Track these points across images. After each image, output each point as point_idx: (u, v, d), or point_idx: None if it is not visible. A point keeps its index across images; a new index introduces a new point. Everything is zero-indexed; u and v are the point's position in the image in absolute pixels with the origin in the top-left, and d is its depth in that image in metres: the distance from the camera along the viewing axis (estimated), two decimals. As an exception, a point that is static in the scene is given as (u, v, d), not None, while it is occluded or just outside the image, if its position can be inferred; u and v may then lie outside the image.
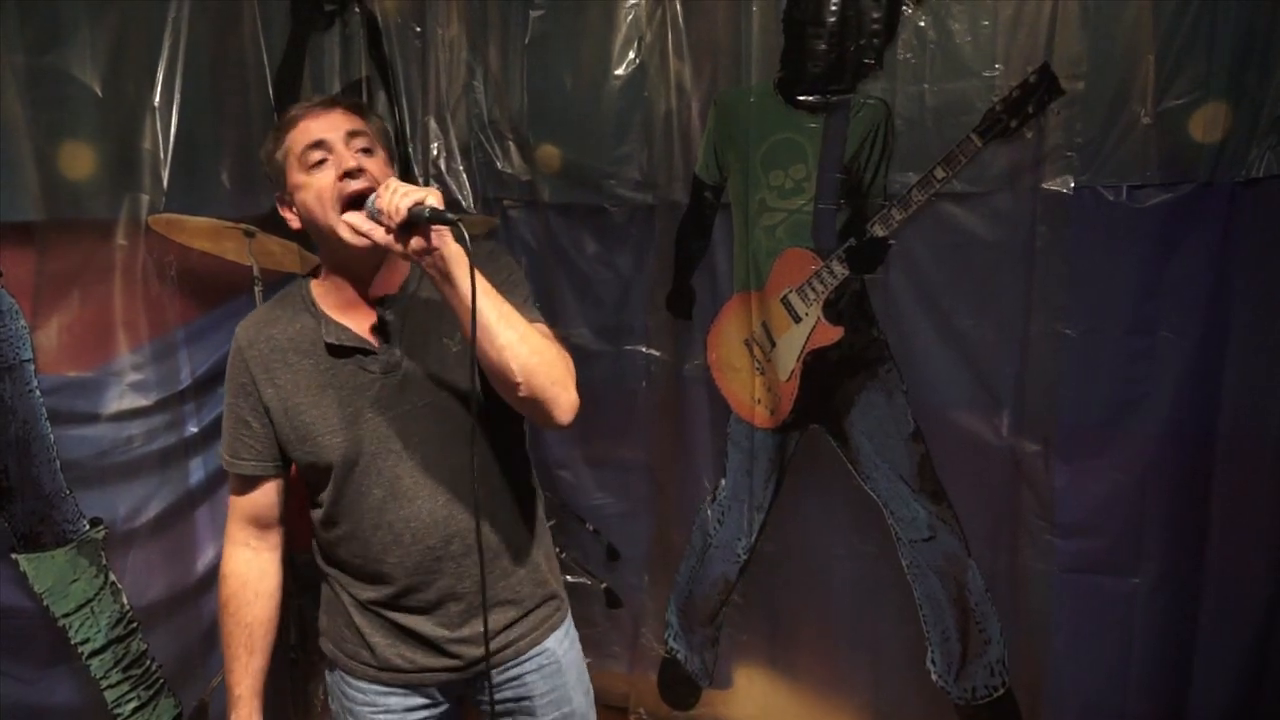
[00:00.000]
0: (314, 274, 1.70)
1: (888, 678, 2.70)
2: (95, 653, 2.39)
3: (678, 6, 2.68)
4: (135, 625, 2.46)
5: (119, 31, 2.44)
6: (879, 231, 2.53)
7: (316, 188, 1.53)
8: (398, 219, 1.37)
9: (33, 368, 2.33)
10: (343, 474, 1.60)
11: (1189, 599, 2.33)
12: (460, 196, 3.03)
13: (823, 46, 2.53)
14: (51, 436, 2.34)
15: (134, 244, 2.49)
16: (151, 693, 2.50)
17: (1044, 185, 2.36)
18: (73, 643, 2.35)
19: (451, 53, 2.98)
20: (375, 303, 1.62)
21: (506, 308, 1.45)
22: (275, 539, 1.76)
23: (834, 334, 2.61)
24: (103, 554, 2.41)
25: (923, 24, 2.42)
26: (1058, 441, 2.41)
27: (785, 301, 2.66)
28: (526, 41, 2.86)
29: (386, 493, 1.59)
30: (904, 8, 2.43)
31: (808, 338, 2.64)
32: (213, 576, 2.63)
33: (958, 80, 2.41)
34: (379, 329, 1.61)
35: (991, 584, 2.55)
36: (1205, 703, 2.34)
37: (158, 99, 2.51)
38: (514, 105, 2.92)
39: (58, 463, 2.35)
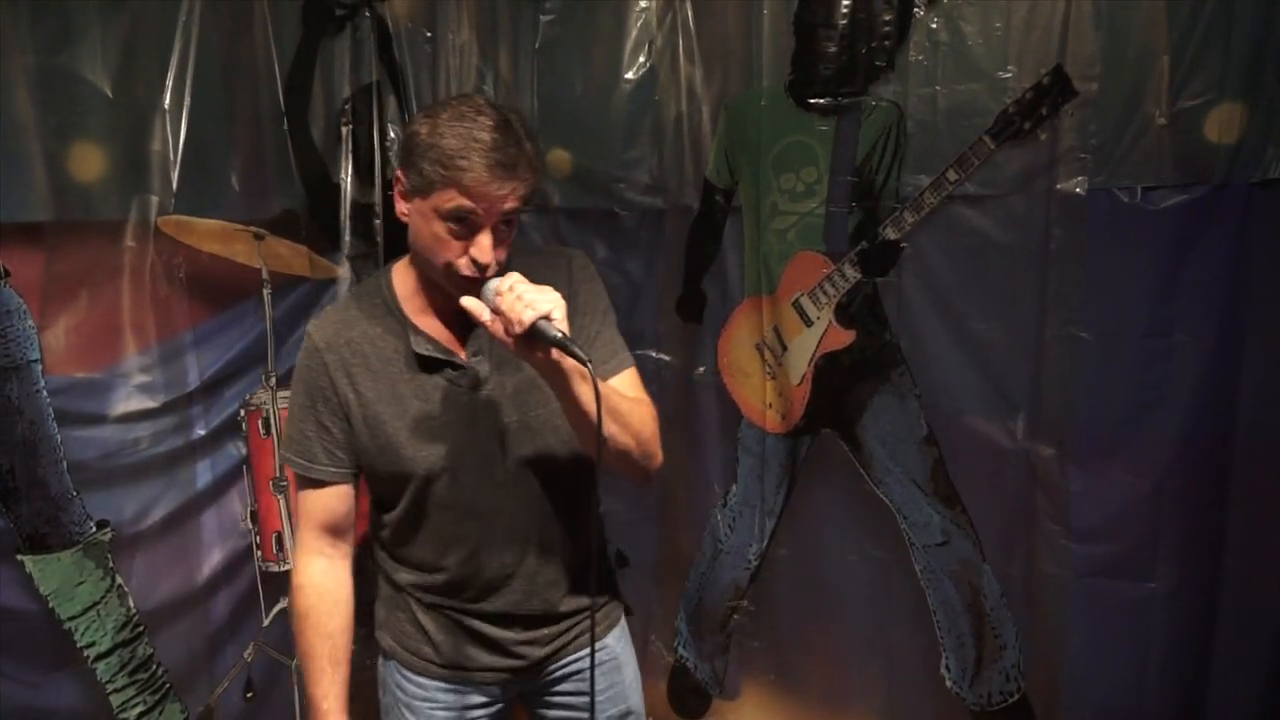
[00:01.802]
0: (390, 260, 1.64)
1: (901, 684, 2.66)
2: (101, 656, 2.37)
3: (688, 10, 2.67)
4: (142, 629, 2.45)
5: (130, 33, 2.45)
6: (891, 234, 2.51)
7: (444, 241, 1.42)
8: (518, 331, 1.32)
9: (40, 368, 2.33)
10: (422, 487, 1.55)
11: (1206, 604, 2.29)
12: (470, 200, 3.02)
13: (834, 49, 2.52)
14: (59, 437, 2.33)
15: (143, 245, 2.50)
16: (158, 697, 2.48)
17: (1058, 187, 2.34)
18: (79, 646, 2.34)
19: (462, 57, 2.97)
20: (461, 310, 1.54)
21: (617, 401, 1.46)
22: (348, 546, 1.67)
23: (846, 338, 2.59)
24: (109, 556, 2.40)
25: (934, 26, 2.41)
26: (1073, 445, 2.38)
27: (797, 305, 2.64)
28: (537, 46, 2.86)
29: (468, 509, 1.57)
30: (915, 10, 2.42)
31: (819, 341, 2.62)
32: (218, 582, 2.64)
33: (970, 82, 2.40)
34: (467, 339, 1.55)
35: (1006, 589, 2.52)
36: (1222, 708, 2.30)
37: (168, 101, 2.52)
38: (524, 109, 2.91)
39: (65, 464, 2.34)
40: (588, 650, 1.65)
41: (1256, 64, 2.14)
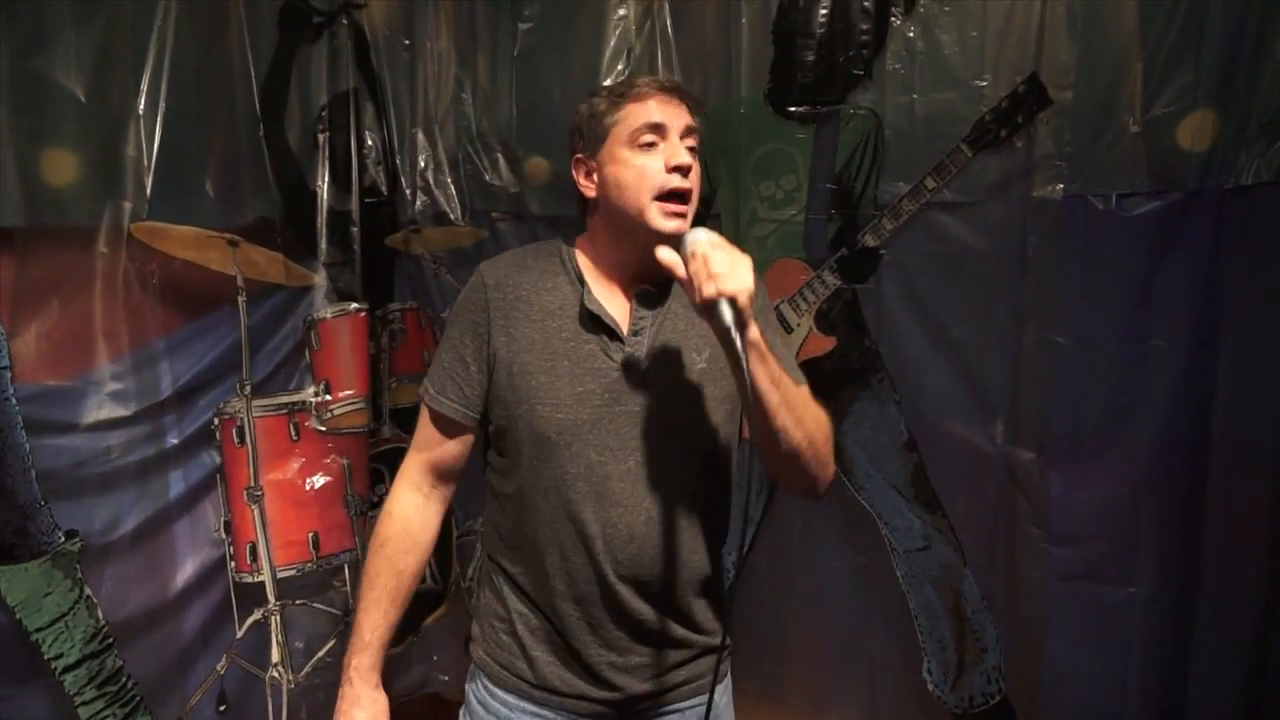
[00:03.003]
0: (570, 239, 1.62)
1: (883, 688, 2.65)
2: (70, 668, 2.32)
3: (667, 18, 2.69)
4: (110, 641, 2.39)
5: (104, 38, 2.42)
6: (870, 241, 2.52)
7: (640, 168, 1.45)
8: (697, 300, 1.30)
9: (9, 375, 2.28)
10: (549, 452, 1.49)
11: (1185, 606, 2.31)
12: (448, 209, 3.02)
13: (812, 57, 2.54)
14: (27, 446, 2.28)
15: (116, 252, 2.45)
16: (128, 710, 2.43)
17: (1034, 194, 2.37)
18: (46, 658, 2.28)
19: (440, 65, 2.97)
20: (637, 290, 1.53)
21: (790, 391, 1.39)
22: (447, 493, 1.64)
23: (826, 344, 2.60)
24: (78, 567, 2.34)
25: (911, 35, 2.44)
26: (1052, 450, 2.40)
27: (777, 312, 2.65)
28: (515, 54, 2.86)
29: (589, 488, 1.48)
30: (892, 18, 2.45)
31: (799, 348, 2.62)
32: (190, 593, 2.59)
33: (947, 90, 2.43)
34: (633, 319, 1.52)
35: (987, 593, 2.52)
36: (1202, 709, 2.31)
37: (142, 106, 2.48)
38: (503, 117, 2.91)
39: (33, 473, 2.29)
40: (694, 702, 1.58)
41: (1228, 72, 2.18)
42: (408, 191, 3.04)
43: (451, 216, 3.01)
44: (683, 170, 1.45)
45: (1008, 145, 2.38)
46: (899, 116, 2.47)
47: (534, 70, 2.85)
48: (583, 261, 1.56)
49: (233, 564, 2.67)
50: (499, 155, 2.94)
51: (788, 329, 2.63)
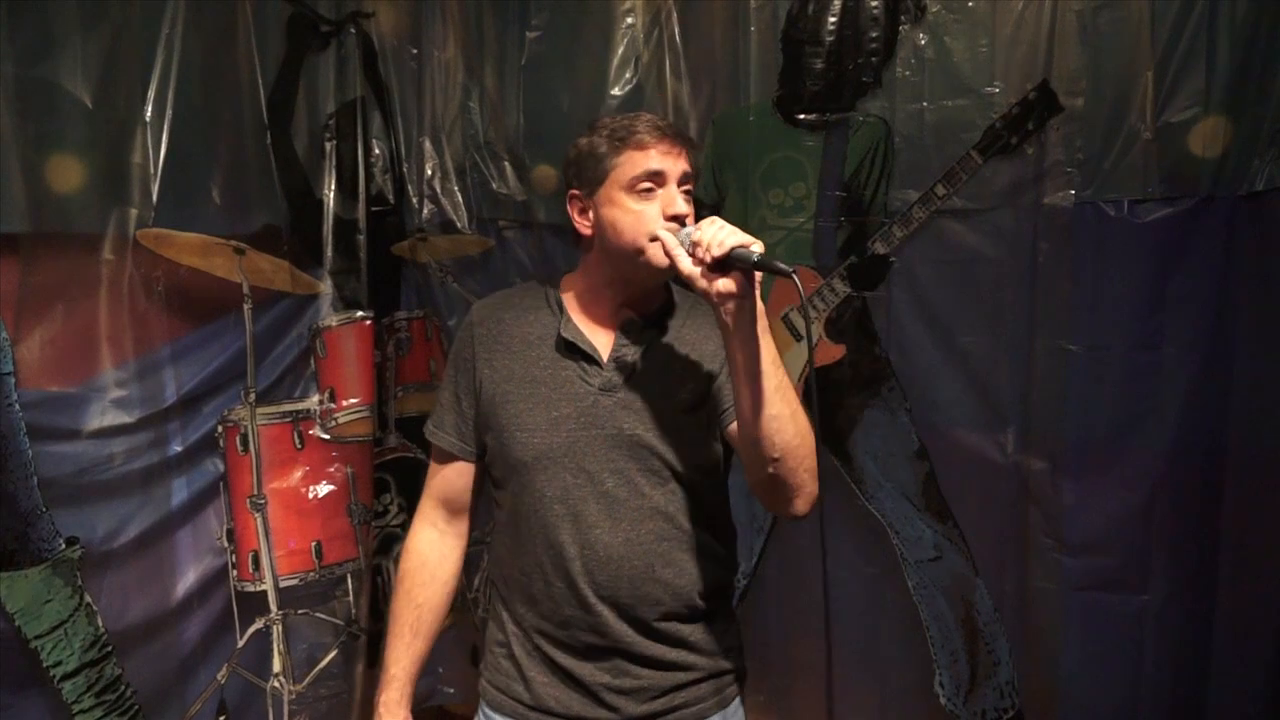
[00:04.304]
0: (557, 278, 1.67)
1: (894, 702, 2.62)
2: (68, 676, 2.28)
3: (675, 26, 2.69)
4: (110, 649, 2.36)
5: (111, 44, 2.41)
6: (880, 249, 2.51)
7: (639, 214, 1.48)
8: (717, 253, 1.32)
9: (13, 381, 2.26)
10: (527, 477, 1.54)
11: (1201, 616, 2.28)
12: (455, 217, 3.01)
13: (821, 65, 2.54)
14: (30, 452, 2.26)
15: (121, 258, 2.44)
16: (126, 719, 2.39)
17: (1045, 201, 2.36)
18: (45, 666, 2.25)
19: (447, 74, 2.97)
20: (624, 319, 1.58)
21: (785, 381, 1.39)
22: (462, 527, 1.72)
23: (836, 352, 2.58)
24: (78, 574, 2.31)
25: (921, 42, 2.43)
26: (1064, 459, 2.37)
27: (786, 320, 2.63)
28: (523, 63, 2.86)
29: (566, 510, 1.52)
30: (902, 26, 2.44)
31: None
32: (191, 601, 2.57)
33: (957, 98, 2.42)
34: (615, 346, 1.56)
35: (1000, 604, 2.49)
36: (1220, 721, 2.28)
37: (149, 113, 2.48)
38: (510, 126, 2.91)
39: (35, 479, 2.27)
40: None
41: (1240, 78, 2.17)
42: (414, 200, 3.03)
43: (458, 225, 3.00)
44: (680, 220, 1.47)
45: (1018, 152, 2.37)
46: (909, 124, 2.46)
47: (541, 79, 2.85)
48: (568, 294, 1.61)
49: (235, 573, 2.64)
50: (506, 163, 2.94)
51: (797, 338, 2.62)
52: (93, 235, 2.41)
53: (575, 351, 1.54)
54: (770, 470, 1.41)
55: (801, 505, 1.46)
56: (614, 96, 2.76)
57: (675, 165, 1.50)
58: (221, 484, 2.64)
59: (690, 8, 2.67)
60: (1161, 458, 2.30)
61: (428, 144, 3.00)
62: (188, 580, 2.53)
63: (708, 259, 1.33)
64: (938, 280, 2.48)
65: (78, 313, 2.39)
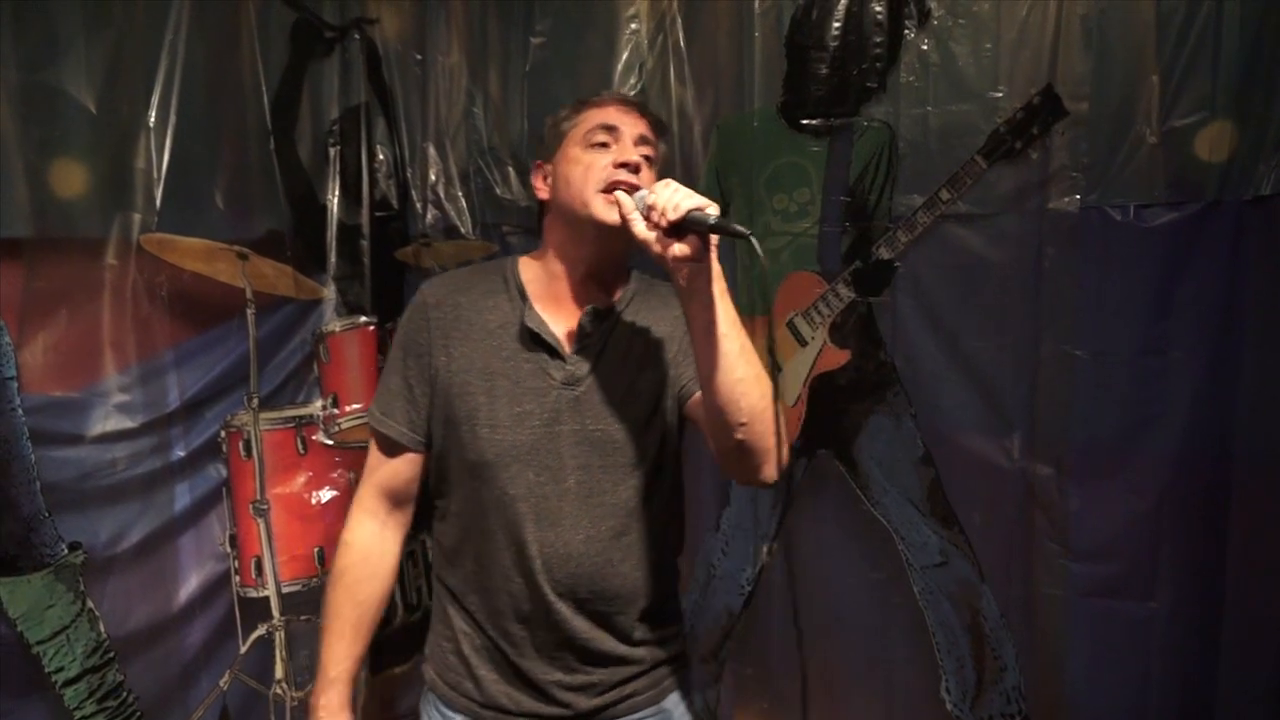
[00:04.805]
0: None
1: (900, 708, 2.60)
2: (69, 682, 2.28)
3: (679, 32, 2.68)
4: (112, 655, 2.36)
5: (115, 50, 2.42)
6: (885, 254, 2.50)
7: (588, 163, 1.45)
8: (673, 216, 1.27)
9: (16, 386, 2.26)
10: (489, 474, 1.47)
11: (1208, 622, 2.26)
12: (459, 222, 3.00)
13: (825, 70, 2.54)
14: (33, 457, 2.26)
15: (124, 263, 2.45)
16: (127, 726, 2.39)
17: (1050, 206, 2.35)
18: (46, 671, 2.25)
19: (451, 80, 2.97)
20: (587, 309, 1.51)
21: (748, 344, 1.35)
22: (404, 519, 1.61)
23: (841, 358, 2.57)
24: (81, 580, 2.31)
25: (925, 47, 2.43)
26: (1071, 464, 2.36)
27: (791, 325, 2.62)
28: (527, 68, 2.86)
29: (529, 509, 1.47)
30: (906, 31, 2.44)
31: (814, 362, 2.59)
32: (194, 607, 2.56)
33: (961, 102, 2.42)
34: (577, 336, 1.50)
35: (1006, 609, 2.48)
36: (1229, 729, 2.26)
37: (153, 118, 2.49)
38: (514, 131, 2.91)
39: (38, 484, 2.27)
40: (647, 713, 1.56)
41: (1246, 83, 2.17)
42: (418, 205, 3.02)
43: (462, 230, 3.00)
44: (630, 167, 1.43)
45: (1023, 157, 2.36)
46: (913, 129, 2.46)
47: (545, 84, 2.85)
48: (528, 277, 1.55)
49: (237, 578, 2.63)
50: (510, 169, 2.93)
51: (802, 343, 2.61)
52: (96, 240, 2.42)
53: (538, 343, 1.49)
54: (739, 436, 1.36)
55: (770, 471, 1.41)
56: (618, 102, 2.76)
57: (632, 124, 1.48)
58: (224, 489, 2.64)
59: (694, 13, 2.67)
60: (1168, 463, 2.29)
61: (432, 149, 3.00)
62: (190, 586, 2.53)
63: (663, 223, 1.29)
64: (943, 285, 2.47)
65: (81, 318, 2.39)
